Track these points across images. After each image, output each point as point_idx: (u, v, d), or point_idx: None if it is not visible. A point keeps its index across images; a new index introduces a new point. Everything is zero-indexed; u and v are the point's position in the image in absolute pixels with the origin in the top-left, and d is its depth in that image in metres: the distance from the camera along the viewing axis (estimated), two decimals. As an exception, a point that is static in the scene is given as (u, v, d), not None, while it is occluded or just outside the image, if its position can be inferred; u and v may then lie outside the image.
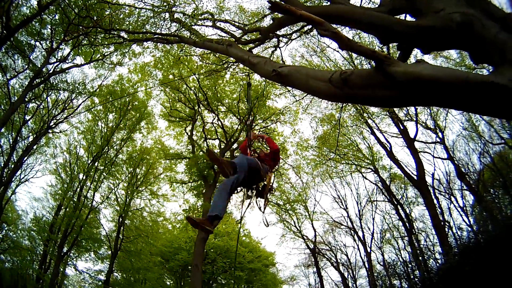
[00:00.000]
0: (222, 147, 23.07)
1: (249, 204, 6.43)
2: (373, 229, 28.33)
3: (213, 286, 33.55)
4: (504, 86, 2.86)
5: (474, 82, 3.01)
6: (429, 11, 4.18)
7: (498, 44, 3.45)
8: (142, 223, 27.73)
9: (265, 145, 6.78)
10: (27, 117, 21.28)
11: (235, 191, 5.68)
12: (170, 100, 24.15)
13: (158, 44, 13.83)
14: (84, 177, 24.15)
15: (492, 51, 3.49)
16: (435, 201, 20.04)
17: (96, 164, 24.28)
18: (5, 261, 22.56)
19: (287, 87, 17.03)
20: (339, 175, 28.53)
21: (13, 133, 20.69)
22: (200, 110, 23.32)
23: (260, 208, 5.97)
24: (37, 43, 18.15)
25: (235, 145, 22.70)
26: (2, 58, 18.11)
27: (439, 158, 22.47)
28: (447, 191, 22.72)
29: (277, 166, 7.10)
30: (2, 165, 20.05)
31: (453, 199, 22.44)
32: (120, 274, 28.61)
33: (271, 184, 6.02)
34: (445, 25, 3.80)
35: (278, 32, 11.02)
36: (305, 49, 20.12)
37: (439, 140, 21.75)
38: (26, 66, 18.63)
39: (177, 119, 24.64)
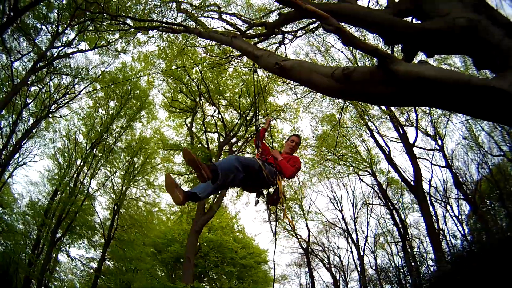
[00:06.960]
0: (221, 140, 23.13)
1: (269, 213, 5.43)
2: (367, 232, 28.36)
3: (204, 281, 33.65)
4: (505, 91, 2.86)
5: (476, 85, 3.02)
6: (435, 15, 4.18)
7: (502, 50, 3.46)
8: (137, 213, 27.63)
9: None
10: (29, 100, 21.25)
11: (226, 188, 4.60)
12: (172, 90, 24.13)
13: (163, 33, 13.90)
14: (81, 163, 24.13)
15: (495, 56, 3.50)
16: (430, 208, 20.03)
17: (94, 150, 24.25)
18: (-2, 244, 22.60)
19: (289, 84, 17.06)
20: (336, 176, 28.41)
21: (13, 116, 20.59)
22: (201, 102, 23.33)
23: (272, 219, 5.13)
24: (43, 27, 18.07)
25: (233, 139, 22.76)
26: (8, 40, 17.98)
27: (437, 165, 22.40)
28: (444, 199, 22.68)
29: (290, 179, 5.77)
30: (1, 147, 19.97)
31: (449, 207, 22.43)
32: (112, 262, 28.50)
33: (282, 191, 5.09)
34: (450, 29, 3.80)
35: (283, 28, 11.08)
36: (310, 47, 20.13)
37: (438, 148, 21.65)
38: (31, 49, 18.53)
39: (178, 110, 24.68)
